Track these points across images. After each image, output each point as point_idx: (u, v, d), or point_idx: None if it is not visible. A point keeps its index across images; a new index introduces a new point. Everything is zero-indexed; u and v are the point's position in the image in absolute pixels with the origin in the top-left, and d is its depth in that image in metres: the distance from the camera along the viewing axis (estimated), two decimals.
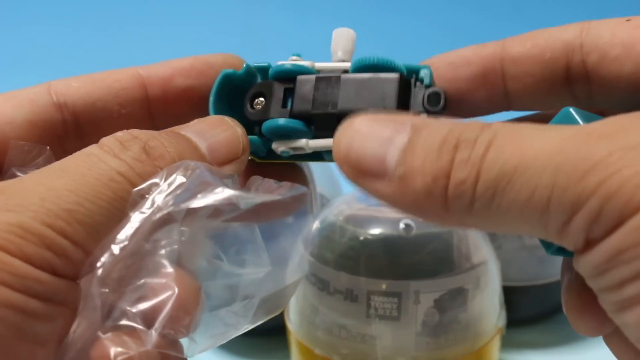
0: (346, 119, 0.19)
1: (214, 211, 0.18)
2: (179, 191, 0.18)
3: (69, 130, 0.23)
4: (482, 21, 0.80)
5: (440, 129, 0.17)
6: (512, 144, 0.16)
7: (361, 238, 0.32)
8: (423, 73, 0.22)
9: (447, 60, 0.24)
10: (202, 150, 0.20)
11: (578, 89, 0.23)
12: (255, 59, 0.24)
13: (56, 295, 0.16)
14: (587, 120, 0.19)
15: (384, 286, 0.31)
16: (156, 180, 0.18)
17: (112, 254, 0.17)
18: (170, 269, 0.18)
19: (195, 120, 0.22)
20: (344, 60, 0.23)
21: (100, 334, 0.17)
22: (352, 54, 0.23)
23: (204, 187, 0.18)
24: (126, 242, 0.17)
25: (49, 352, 0.16)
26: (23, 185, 0.17)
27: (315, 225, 0.36)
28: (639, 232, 0.14)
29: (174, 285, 0.17)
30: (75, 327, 0.16)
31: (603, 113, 0.25)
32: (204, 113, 0.22)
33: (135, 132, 0.20)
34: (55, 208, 0.16)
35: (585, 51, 0.22)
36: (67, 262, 0.16)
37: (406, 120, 0.18)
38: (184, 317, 0.17)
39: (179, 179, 0.18)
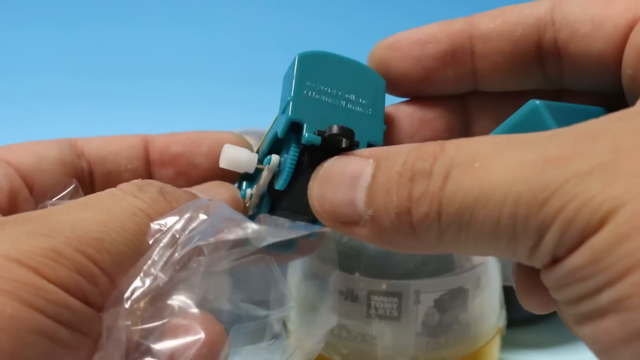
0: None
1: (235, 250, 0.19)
2: (203, 227, 0.18)
3: (85, 178, 0.25)
4: None
5: (396, 159, 0.18)
6: (471, 174, 0.16)
7: None
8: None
9: (413, 38, 0.23)
10: None
11: (549, 67, 0.22)
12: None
13: (83, 324, 0.16)
14: (555, 116, 0.18)
15: (384, 286, 0.31)
16: (174, 216, 0.19)
17: (140, 287, 0.17)
18: (195, 310, 0.18)
19: (203, 184, 0.25)
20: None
21: None
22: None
23: (229, 223, 0.19)
24: (154, 275, 0.17)
25: None
26: (53, 214, 0.18)
27: None
28: (596, 251, 0.14)
29: (199, 328, 0.18)
30: (98, 359, 0.17)
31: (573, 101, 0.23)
32: (190, 180, 0.26)
33: (150, 180, 0.21)
34: (85, 236, 0.17)
35: (557, 27, 0.21)
36: (96, 289, 0.17)
37: (369, 153, 0.19)
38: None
39: (201, 216, 0.19)
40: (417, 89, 0.24)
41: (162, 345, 0.17)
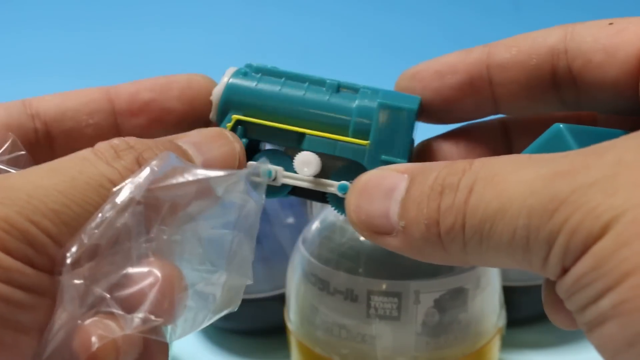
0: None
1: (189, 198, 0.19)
2: (150, 179, 0.18)
3: (40, 139, 0.24)
4: (482, 21, 0.80)
5: (429, 175, 0.19)
6: (492, 188, 0.17)
7: (361, 238, 0.32)
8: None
9: (432, 69, 0.24)
10: (197, 164, 0.21)
11: (565, 93, 0.23)
12: (255, 60, 0.24)
13: (38, 286, 0.17)
14: (577, 138, 0.20)
15: (384, 286, 0.31)
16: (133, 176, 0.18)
17: (82, 244, 0.17)
18: (151, 258, 0.18)
19: (196, 131, 0.22)
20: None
21: (80, 322, 0.17)
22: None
23: (173, 171, 0.19)
24: (95, 231, 0.17)
25: (32, 340, 0.17)
26: (10, 180, 0.17)
27: (315, 225, 0.36)
28: (598, 257, 0.15)
29: (157, 272, 0.18)
30: (56, 318, 0.17)
31: (595, 118, 0.25)
32: (165, 127, 0.24)
33: (132, 141, 0.20)
34: (42, 206, 0.17)
35: (570, 56, 0.22)
36: (47, 259, 0.17)
37: (404, 169, 0.20)
38: (168, 302, 0.18)
39: (148, 169, 0.18)
40: (440, 117, 0.25)
41: (119, 294, 0.17)
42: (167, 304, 0.18)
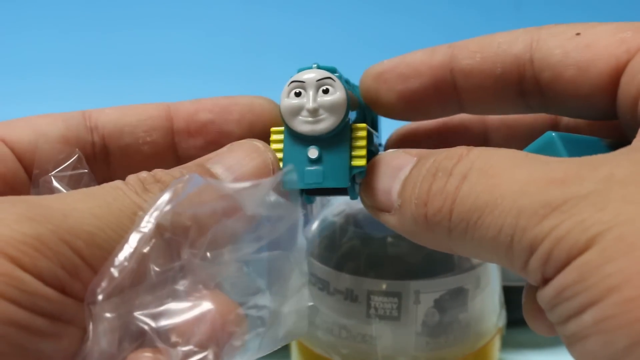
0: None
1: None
2: (173, 203, 0.18)
3: (97, 153, 0.23)
4: (482, 21, 0.80)
5: (430, 157, 0.19)
6: (485, 180, 0.17)
7: (361, 238, 0.32)
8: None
9: (396, 71, 0.24)
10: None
11: (532, 101, 0.23)
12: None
13: (64, 314, 0.16)
14: (568, 146, 0.20)
15: (384, 286, 0.31)
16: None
17: (112, 278, 0.16)
18: (196, 287, 0.17)
19: (227, 147, 0.22)
20: None
21: (119, 357, 0.16)
22: None
23: (198, 192, 0.18)
24: (125, 264, 0.16)
25: None
26: (47, 200, 0.17)
27: (315, 225, 0.36)
28: (582, 271, 0.15)
29: (208, 302, 0.17)
30: (87, 351, 0.16)
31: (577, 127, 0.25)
32: (222, 145, 0.23)
33: (158, 174, 0.20)
34: (76, 227, 0.16)
35: (537, 67, 0.22)
36: (77, 282, 0.16)
37: (416, 152, 0.21)
38: (215, 332, 0.17)
39: (171, 193, 0.18)
40: (407, 117, 0.25)
41: (160, 323, 0.16)
42: (215, 335, 0.17)
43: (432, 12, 0.83)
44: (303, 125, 0.22)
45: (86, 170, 0.22)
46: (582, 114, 0.23)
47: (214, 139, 0.24)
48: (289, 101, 0.22)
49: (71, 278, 0.16)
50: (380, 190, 0.21)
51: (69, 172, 0.21)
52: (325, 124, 0.22)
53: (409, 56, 0.24)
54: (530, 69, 0.22)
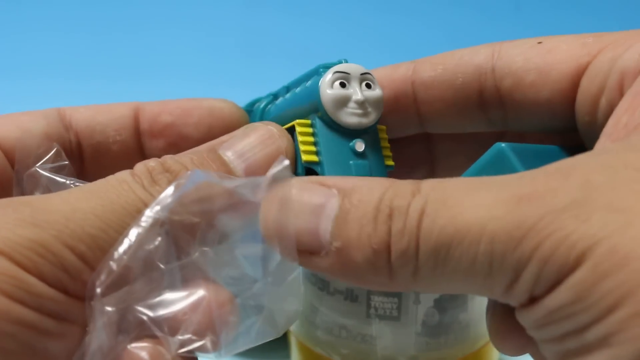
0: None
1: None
2: (175, 198, 0.18)
3: (73, 150, 0.24)
4: (482, 21, 0.80)
5: (371, 195, 0.17)
6: (445, 212, 0.16)
7: None
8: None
9: None
10: (238, 174, 0.20)
11: (492, 113, 0.22)
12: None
13: (69, 314, 0.16)
14: (521, 157, 0.19)
15: None
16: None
17: (111, 271, 0.17)
18: (191, 277, 0.17)
19: (242, 130, 0.21)
20: None
21: (125, 346, 0.17)
22: None
23: (200, 188, 0.18)
24: (124, 257, 0.17)
25: None
26: (50, 201, 0.17)
27: None
28: (578, 290, 0.14)
29: (202, 290, 0.17)
30: (88, 344, 0.16)
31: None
32: (182, 148, 0.22)
33: (168, 162, 0.19)
34: (79, 230, 0.16)
35: (498, 76, 0.21)
36: (81, 285, 0.16)
37: (331, 183, 0.18)
38: (211, 321, 0.17)
39: (172, 189, 0.18)
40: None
41: (158, 313, 0.17)
42: (211, 323, 0.17)
43: (432, 13, 0.83)
44: (350, 117, 0.21)
45: (66, 162, 0.22)
46: (541, 125, 0.22)
47: (174, 141, 0.24)
48: (335, 91, 0.21)
49: (74, 280, 0.16)
50: (302, 229, 0.18)
51: (50, 165, 0.21)
52: (370, 117, 0.22)
53: (374, 71, 0.24)
54: (491, 77, 0.22)
